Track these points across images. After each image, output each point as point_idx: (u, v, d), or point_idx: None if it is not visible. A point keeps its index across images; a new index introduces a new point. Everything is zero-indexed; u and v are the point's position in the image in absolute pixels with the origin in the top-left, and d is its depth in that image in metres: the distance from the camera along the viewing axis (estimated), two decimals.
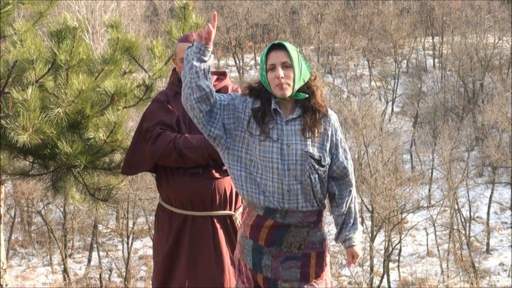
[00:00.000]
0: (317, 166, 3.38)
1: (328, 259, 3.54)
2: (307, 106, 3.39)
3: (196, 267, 4.18)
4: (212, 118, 3.40)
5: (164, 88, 4.53)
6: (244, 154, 3.40)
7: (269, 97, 3.39)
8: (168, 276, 4.27)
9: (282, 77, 3.31)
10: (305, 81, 3.40)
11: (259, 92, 3.42)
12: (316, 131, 3.38)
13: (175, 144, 4.14)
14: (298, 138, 3.37)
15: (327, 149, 3.43)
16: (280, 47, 3.36)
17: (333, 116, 3.48)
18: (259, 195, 3.39)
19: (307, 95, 3.39)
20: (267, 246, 3.41)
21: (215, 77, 4.40)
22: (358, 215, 3.54)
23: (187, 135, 4.18)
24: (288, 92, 3.34)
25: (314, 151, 3.38)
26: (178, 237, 4.23)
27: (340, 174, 3.48)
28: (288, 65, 3.33)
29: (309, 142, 3.38)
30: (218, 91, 4.31)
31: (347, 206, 3.49)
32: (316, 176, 3.39)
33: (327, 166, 3.44)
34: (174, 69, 4.40)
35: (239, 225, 3.97)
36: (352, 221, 3.49)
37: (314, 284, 3.46)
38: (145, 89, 5.18)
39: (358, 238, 3.51)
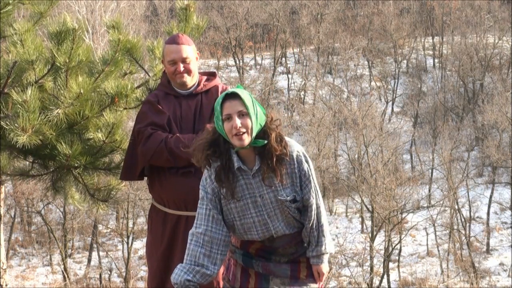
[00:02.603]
0: (293, 205, 3.39)
1: None
2: (263, 152, 3.32)
3: None
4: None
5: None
6: (232, 221, 3.43)
7: (229, 149, 3.33)
8: (164, 277, 4.27)
9: (240, 127, 3.24)
10: (262, 125, 3.33)
11: (217, 144, 3.34)
12: (278, 177, 3.33)
13: (166, 144, 4.15)
14: (269, 187, 3.35)
15: (298, 185, 3.41)
16: (234, 96, 3.28)
17: (295, 148, 3.40)
18: (245, 239, 3.49)
19: (265, 141, 3.31)
20: (257, 256, 3.51)
21: (205, 77, 4.41)
22: (324, 239, 3.49)
23: (178, 135, 4.19)
24: (247, 141, 3.27)
25: (286, 193, 3.37)
26: (172, 237, 4.25)
27: (304, 208, 3.46)
28: (244, 113, 3.26)
29: (278, 187, 3.36)
30: (208, 91, 4.34)
31: (308, 232, 3.48)
32: (296, 210, 3.42)
33: (301, 199, 3.43)
34: (164, 71, 4.41)
35: None
36: (315, 244, 3.49)
37: (306, 282, 3.51)
38: (148, 91, 5.17)
39: (324, 259, 3.52)
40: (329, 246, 3.50)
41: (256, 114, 3.29)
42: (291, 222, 3.43)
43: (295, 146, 3.41)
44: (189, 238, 3.40)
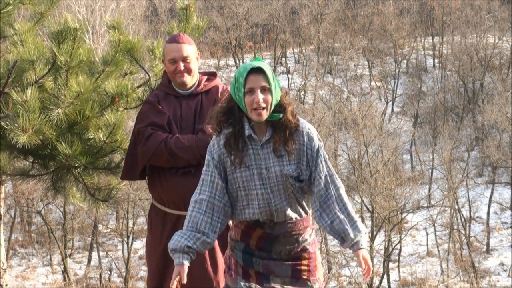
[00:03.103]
0: (297, 184, 3.40)
1: (319, 257, 3.59)
2: (277, 124, 3.37)
3: (190, 266, 4.18)
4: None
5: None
6: (236, 191, 3.43)
7: (241, 118, 3.37)
8: (164, 276, 4.28)
9: (261, 102, 3.30)
10: (278, 100, 3.38)
11: (231, 112, 3.39)
12: (289, 148, 3.36)
13: (166, 144, 4.16)
14: (276, 160, 3.37)
15: (304, 163, 3.42)
16: (259, 71, 3.34)
17: (306, 126, 3.44)
18: (247, 215, 3.45)
19: (281, 115, 3.36)
20: (258, 250, 3.48)
21: (205, 77, 4.41)
22: (356, 217, 3.47)
23: (178, 135, 4.20)
24: (265, 116, 3.33)
25: (291, 169, 3.38)
26: (172, 237, 4.24)
27: (325, 184, 3.44)
28: (266, 89, 3.32)
29: (285, 161, 3.38)
30: (208, 91, 4.35)
31: (339, 215, 3.44)
32: (299, 190, 3.42)
33: (307, 179, 3.43)
34: (165, 71, 4.41)
35: (231, 224, 3.97)
36: (350, 224, 3.43)
37: (307, 282, 3.49)
38: (150, 90, 5.17)
39: (365, 241, 3.46)
40: (361, 225, 3.47)
41: (275, 90, 3.36)
42: (293, 204, 3.42)
43: (307, 124, 3.46)
44: (191, 205, 3.41)
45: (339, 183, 3.48)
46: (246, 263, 3.50)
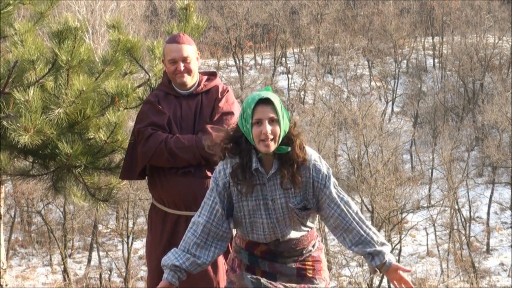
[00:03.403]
0: (303, 212, 3.39)
1: (324, 261, 3.60)
2: (284, 157, 3.32)
3: None
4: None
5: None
6: (241, 218, 3.43)
7: (249, 150, 3.33)
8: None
9: (269, 133, 3.25)
10: (286, 131, 3.33)
11: (238, 143, 3.35)
12: (296, 183, 3.34)
13: (166, 144, 4.16)
14: (281, 192, 3.35)
15: (311, 193, 3.39)
16: (267, 101, 3.28)
17: (312, 158, 3.39)
18: (251, 238, 3.47)
19: (289, 148, 3.32)
20: (262, 258, 3.50)
21: (205, 77, 4.41)
22: (378, 233, 3.45)
23: (178, 135, 4.20)
24: (272, 148, 3.28)
25: (296, 201, 3.37)
26: (172, 237, 4.25)
27: (341, 212, 3.41)
28: (274, 120, 3.27)
29: (291, 194, 3.36)
30: (208, 91, 4.35)
31: (365, 237, 3.42)
32: (304, 216, 3.41)
33: (313, 206, 3.41)
34: (165, 71, 4.42)
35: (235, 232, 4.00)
36: (378, 243, 3.41)
37: (313, 280, 3.51)
38: (150, 90, 5.18)
39: (392, 257, 3.44)
40: (385, 240, 3.45)
41: (284, 120, 3.31)
42: (298, 228, 3.44)
43: (313, 155, 3.41)
44: (190, 225, 3.42)
45: (353, 204, 3.46)
46: (251, 263, 3.52)
